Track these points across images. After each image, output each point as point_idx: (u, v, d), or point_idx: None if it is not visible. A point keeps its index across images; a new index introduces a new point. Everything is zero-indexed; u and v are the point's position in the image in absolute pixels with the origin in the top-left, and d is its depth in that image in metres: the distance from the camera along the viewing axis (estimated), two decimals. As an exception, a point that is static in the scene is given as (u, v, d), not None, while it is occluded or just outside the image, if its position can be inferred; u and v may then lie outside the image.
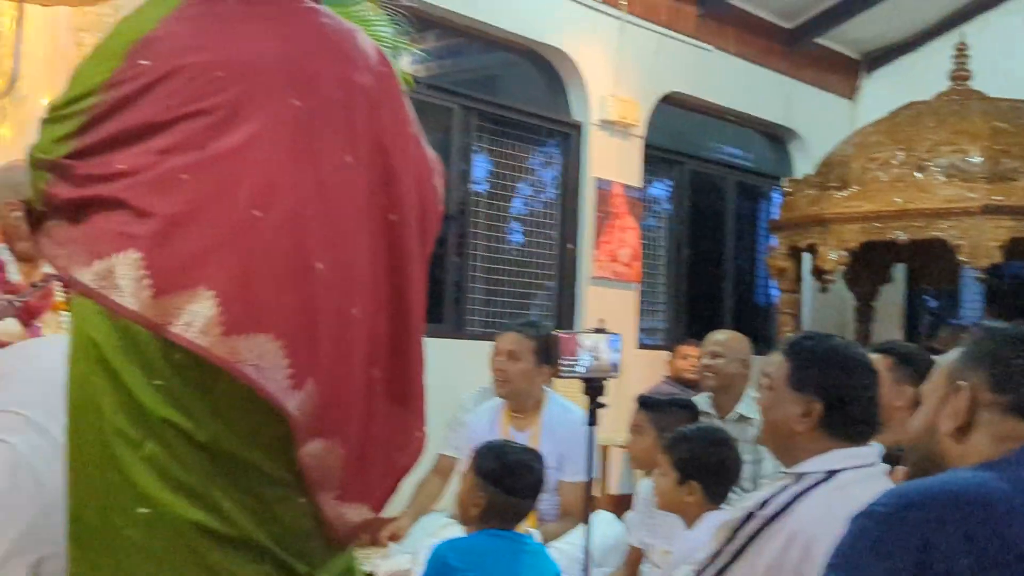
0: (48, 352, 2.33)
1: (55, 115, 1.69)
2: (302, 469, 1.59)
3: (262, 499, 1.59)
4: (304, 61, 1.68)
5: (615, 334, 3.13)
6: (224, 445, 1.56)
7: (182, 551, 1.54)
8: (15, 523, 2.04)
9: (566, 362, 3.01)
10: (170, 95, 1.61)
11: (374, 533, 3.68)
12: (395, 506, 3.57)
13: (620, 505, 3.88)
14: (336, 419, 1.61)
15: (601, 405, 3.04)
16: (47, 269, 3.21)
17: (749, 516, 1.96)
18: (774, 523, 1.91)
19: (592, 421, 3.04)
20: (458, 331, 5.82)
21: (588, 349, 3.01)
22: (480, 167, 6.18)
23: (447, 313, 5.87)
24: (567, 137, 6.51)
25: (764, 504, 1.95)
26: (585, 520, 3.03)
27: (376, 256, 1.70)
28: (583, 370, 3.01)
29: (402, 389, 1.75)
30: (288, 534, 1.62)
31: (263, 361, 1.53)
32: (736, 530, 1.97)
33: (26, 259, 3.26)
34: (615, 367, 3.09)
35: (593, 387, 3.03)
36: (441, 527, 3.54)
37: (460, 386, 4.39)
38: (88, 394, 1.59)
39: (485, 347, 4.03)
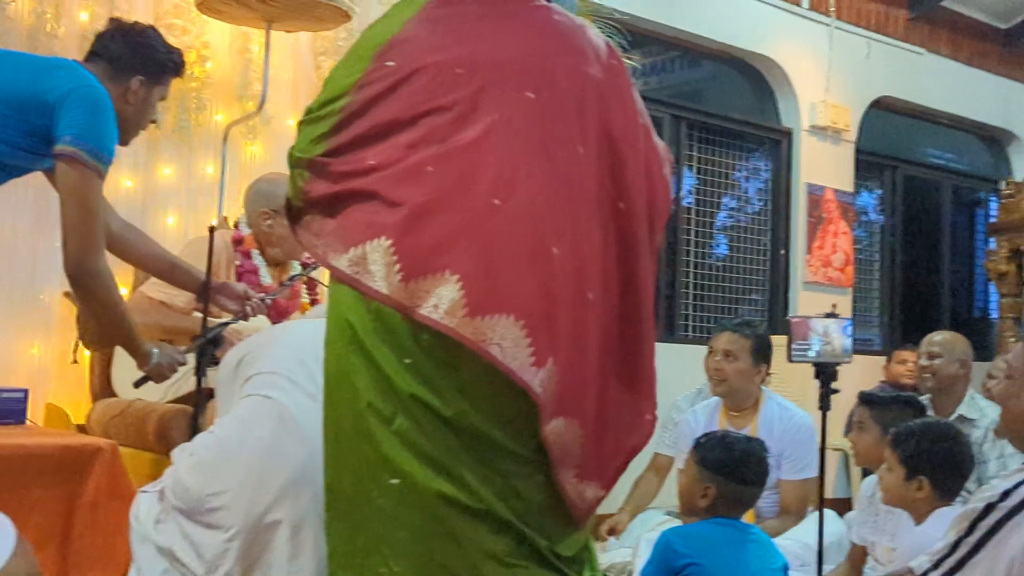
0: (300, 328, 2.54)
1: (311, 117, 1.79)
2: (546, 446, 1.64)
3: (503, 474, 1.64)
4: (538, 56, 1.75)
5: (847, 319, 3.09)
6: (468, 421, 1.62)
7: (429, 520, 1.61)
8: (282, 472, 2.20)
9: (797, 347, 2.98)
10: (414, 93, 1.70)
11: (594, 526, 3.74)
12: (613, 502, 3.67)
13: (836, 508, 3.84)
14: (575, 398, 1.65)
15: (834, 391, 2.97)
16: (293, 272, 3.48)
17: (989, 508, 1.92)
18: (1017, 515, 1.88)
19: (824, 406, 2.97)
20: (669, 336, 5.88)
21: (819, 334, 2.97)
22: (688, 178, 6.22)
23: (658, 318, 5.93)
24: (777, 144, 6.49)
25: (1005, 496, 1.91)
26: (819, 505, 3.00)
27: (607, 243, 1.73)
28: (814, 355, 2.98)
29: (632, 373, 1.78)
30: (528, 509, 1.66)
31: (506, 341, 1.58)
32: (975, 522, 1.94)
33: (276, 263, 3.51)
34: (847, 352, 3.04)
35: (825, 372, 2.98)
36: (659, 523, 3.57)
37: (673, 388, 4.44)
38: (344, 372, 1.68)
39: (696, 351, 4.06)
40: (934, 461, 2.67)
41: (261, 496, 2.19)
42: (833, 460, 5.71)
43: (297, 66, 4.30)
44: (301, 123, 1.82)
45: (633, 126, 1.83)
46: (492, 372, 1.60)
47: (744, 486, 2.73)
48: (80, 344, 3.49)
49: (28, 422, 3.16)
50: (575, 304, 1.66)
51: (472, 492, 1.62)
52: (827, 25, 6.48)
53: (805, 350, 2.98)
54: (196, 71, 3.94)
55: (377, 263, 1.65)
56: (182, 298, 3.20)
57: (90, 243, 2.42)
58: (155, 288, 3.23)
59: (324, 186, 1.75)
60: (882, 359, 6.33)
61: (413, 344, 1.62)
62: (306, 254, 3.31)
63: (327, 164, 1.75)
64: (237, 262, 3.45)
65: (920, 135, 7.69)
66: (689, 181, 6.24)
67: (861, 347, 6.82)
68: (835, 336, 3.01)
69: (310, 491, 2.15)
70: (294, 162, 1.81)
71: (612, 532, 3.82)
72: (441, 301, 1.60)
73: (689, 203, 6.24)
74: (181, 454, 2.34)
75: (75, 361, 3.60)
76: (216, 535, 2.20)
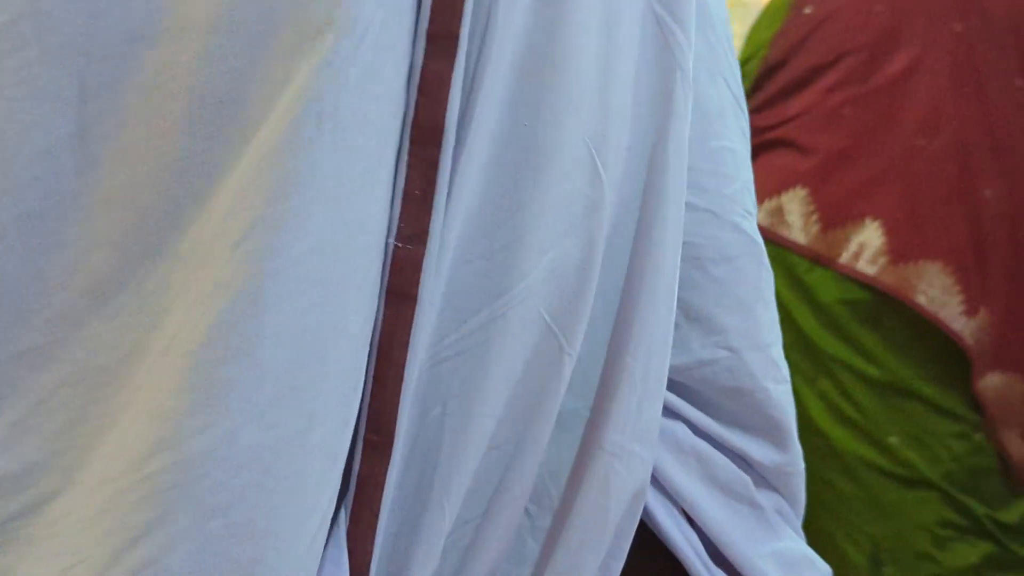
0: None
1: None
2: (981, 403, 1.55)
3: (934, 434, 1.58)
4: None
5: None
6: (894, 379, 1.57)
7: (850, 486, 1.59)
8: None
9: None
10: (833, 36, 1.67)
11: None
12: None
13: None
14: (1014, 351, 1.56)
15: None
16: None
17: None
18: None
19: None
20: None
21: None
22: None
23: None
24: None
25: None
26: None
27: None
28: None
29: None
30: (961, 471, 1.58)
31: (933, 288, 1.54)
32: None
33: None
34: None
35: None
36: None
37: None
38: None
39: None
40: None
41: None
42: None
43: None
44: None
45: None
46: (919, 324, 1.54)
47: None
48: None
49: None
50: (1011, 250, 1.57)
51: (898, 457, 1.57)
52: None
53: None
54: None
55: (794, 213, 1.64)
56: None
57: None
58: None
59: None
60: None
61: (833, 300, 1.59)
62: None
63: (749, 122, 1.77)
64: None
65: None
66: None
67: None
68: None
69: None
70: None
71: None
72: (863, 249, 1.56)
73: None
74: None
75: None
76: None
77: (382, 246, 0.40)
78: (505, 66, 0.40)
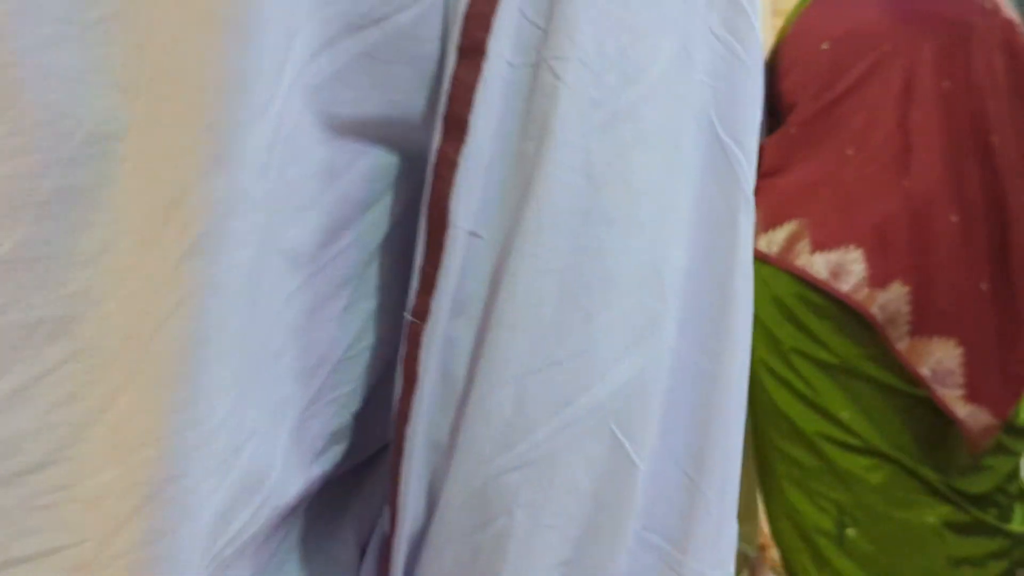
0: None
1: None
2: (909, 369, 1.65)
3: (879, 409, 1.68)
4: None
5: None
6: (841, 361, 1.69)
7: (812, 456, 1.70)
8: None
9: None
10: (790, 85, 1.82)
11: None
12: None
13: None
14: (943, 318, 1.66)
15: None
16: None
17: None
18: None
19: None
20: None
21: None
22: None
23: None
24: None
25: None
26: None
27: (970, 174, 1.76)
28: None
29: (1010, 304, 1.76)
30: (912, 441, 1.68)
31: (849, 273, 1.66)
32: None
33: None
34: None
35: None
36: None
37: None
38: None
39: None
40: None
41: None
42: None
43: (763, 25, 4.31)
44: None
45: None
46: (848, 308, 1.66)
47: None
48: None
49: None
50: (925, 225, 1.69)
51: (851, 430, 1.67)
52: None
53: None
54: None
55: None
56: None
57: None
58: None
59: None
60: None
61: (789, 293, 1.72)
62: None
63: None
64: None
65: None
66: None
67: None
68: None
69: None
70: None
71: None
72: (789, 243, 1.70)
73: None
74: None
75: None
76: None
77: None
78: (570, 177, 0.40)
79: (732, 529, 0.50)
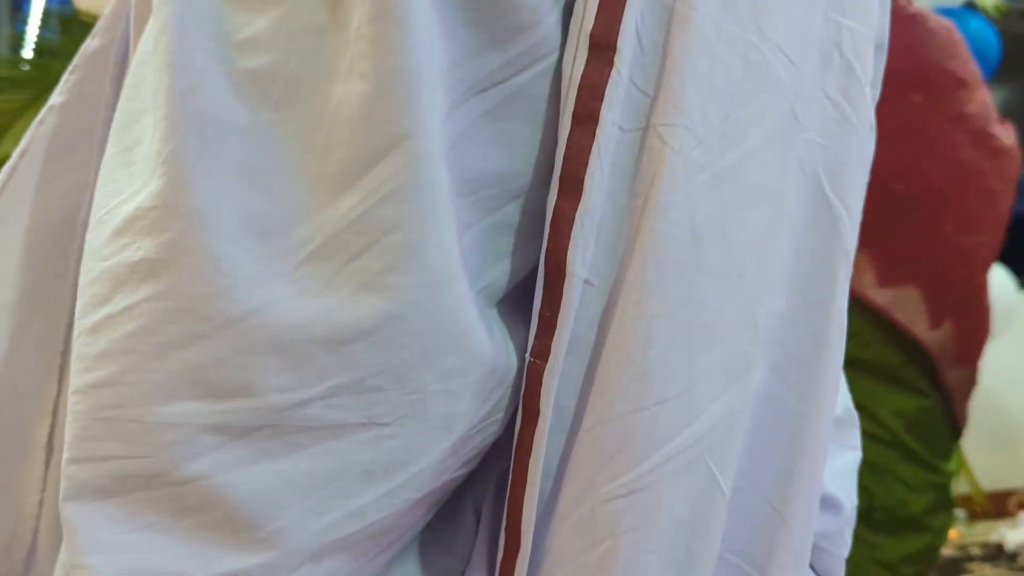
0: None
1: None
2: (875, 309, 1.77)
3: (880, 401, 1.74)
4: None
5: None
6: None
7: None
8: None
9: None
10: None
11: (1001, 503, 3.65)
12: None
13: None
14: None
15: None
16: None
17: None
18: None
19: None
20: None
21: None
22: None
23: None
24: None
25: None
26: None
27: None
28: None
29: None
30: (907, 428, 1.75)
31: None
32: None
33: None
34: None
35: None
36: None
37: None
38: None
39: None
40: None
41: None
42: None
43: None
44: None
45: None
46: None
47: None
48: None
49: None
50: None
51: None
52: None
53: None
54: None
55: None
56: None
57: None
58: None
59: None
60: None
61: None
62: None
63: None
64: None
65: None
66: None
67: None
68: None
69: None
70: None
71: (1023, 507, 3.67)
72: None
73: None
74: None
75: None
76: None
77: None
78: (675, 232, 0.44)
79: (806, 561, 0.53)
